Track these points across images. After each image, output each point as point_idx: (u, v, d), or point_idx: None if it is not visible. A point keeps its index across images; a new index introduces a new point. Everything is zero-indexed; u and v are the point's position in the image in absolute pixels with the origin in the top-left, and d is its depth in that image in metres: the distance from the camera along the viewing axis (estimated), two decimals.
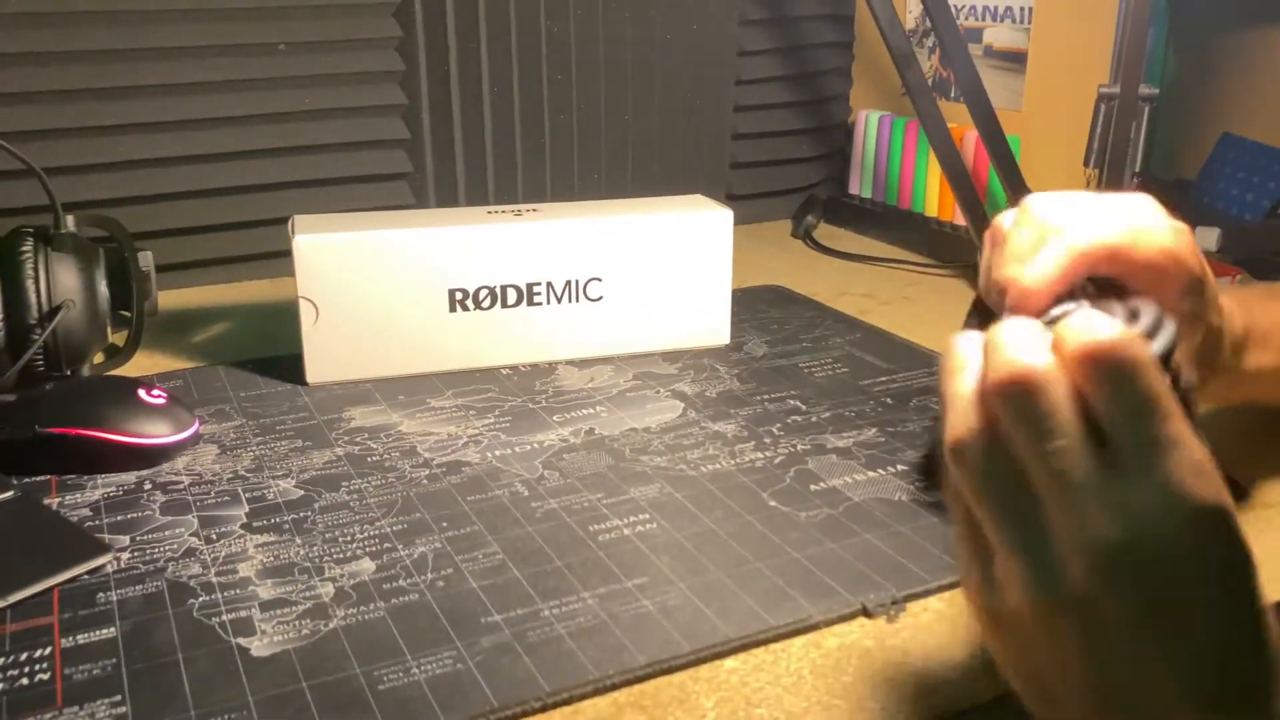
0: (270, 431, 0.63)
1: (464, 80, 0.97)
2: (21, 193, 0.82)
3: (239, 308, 0.87)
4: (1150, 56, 0.94)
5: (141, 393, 0.60)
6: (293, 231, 0.68)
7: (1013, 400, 0.29)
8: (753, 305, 0.86)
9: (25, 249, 0.66)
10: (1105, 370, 0.28)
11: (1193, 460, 0.28)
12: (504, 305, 0.72)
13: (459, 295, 0.71)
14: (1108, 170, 0.75)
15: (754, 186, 1.13)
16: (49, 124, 0.84)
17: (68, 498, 0.55)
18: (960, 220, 1.02)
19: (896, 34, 0.82)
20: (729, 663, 0.43)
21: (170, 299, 0.86)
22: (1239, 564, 0.28)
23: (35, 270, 0.66)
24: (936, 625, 0.45)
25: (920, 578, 0.48)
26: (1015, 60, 0.99)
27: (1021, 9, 0.97)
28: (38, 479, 0.57)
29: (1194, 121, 1.02)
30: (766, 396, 0.69)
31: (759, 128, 1.13)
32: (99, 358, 0.73)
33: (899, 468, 0.59)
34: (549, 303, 0.73)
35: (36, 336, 0.66)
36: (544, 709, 0.40)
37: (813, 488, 0.57)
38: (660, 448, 0.61)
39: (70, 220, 0.70)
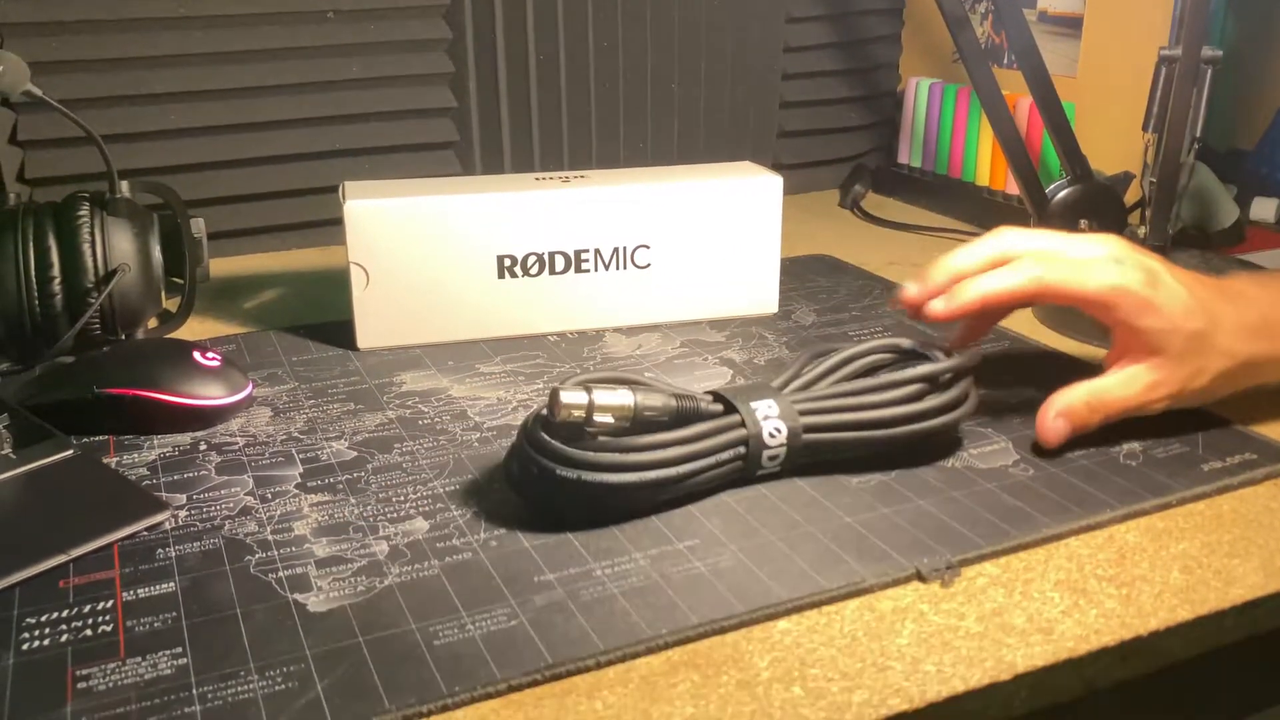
0: (322, 395, 0.64)
1: (510, 48, 0.97)
2: (76, 160, 0.83)
3: (289, 275, 0.88)
4: (1211, 19, 0.92)
5: (196, 355, 0.60)
6: (343, 197, 0.68)
7: None
8: (800, 274, 0.85)
9: (82, 213, 0.67)
10: None
11: None
12: (552, 272, 0.72)
13: (507, 262, 0.71)
14: (1167, 135, 0.73)
15: (801, 156, 1.12)
16: (101, 92, 0.85)
17: (125, 457, 0.56)
18: (1012, 189, 1.01)
19: (952, 1, 0.81)
20: (782, 624, 0.43)
21: (221, 266, 0.87)
22: None
23: (92, 234, 0.67)
24: (991, 590, 0.45)
25: (974, 543, 0.48)
26: (1071, 25, 0.97)
27: None
28: (96, 439, 0.58)
29: (1253, 90, 1.00)
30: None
31: (807, 96, 1.11)
32: (152, 322, 0.74)
33: (953, 435, 0.58)
34: (597, 270, 0.72)
35: (93, 300, 0.66)
36: (598, 666, 0.40)
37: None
38: None
39: (125, 186, 0.70)
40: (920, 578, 0.46)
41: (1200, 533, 0.49)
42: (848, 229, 1.01)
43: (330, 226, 0.93)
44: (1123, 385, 0.55)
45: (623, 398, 0.49)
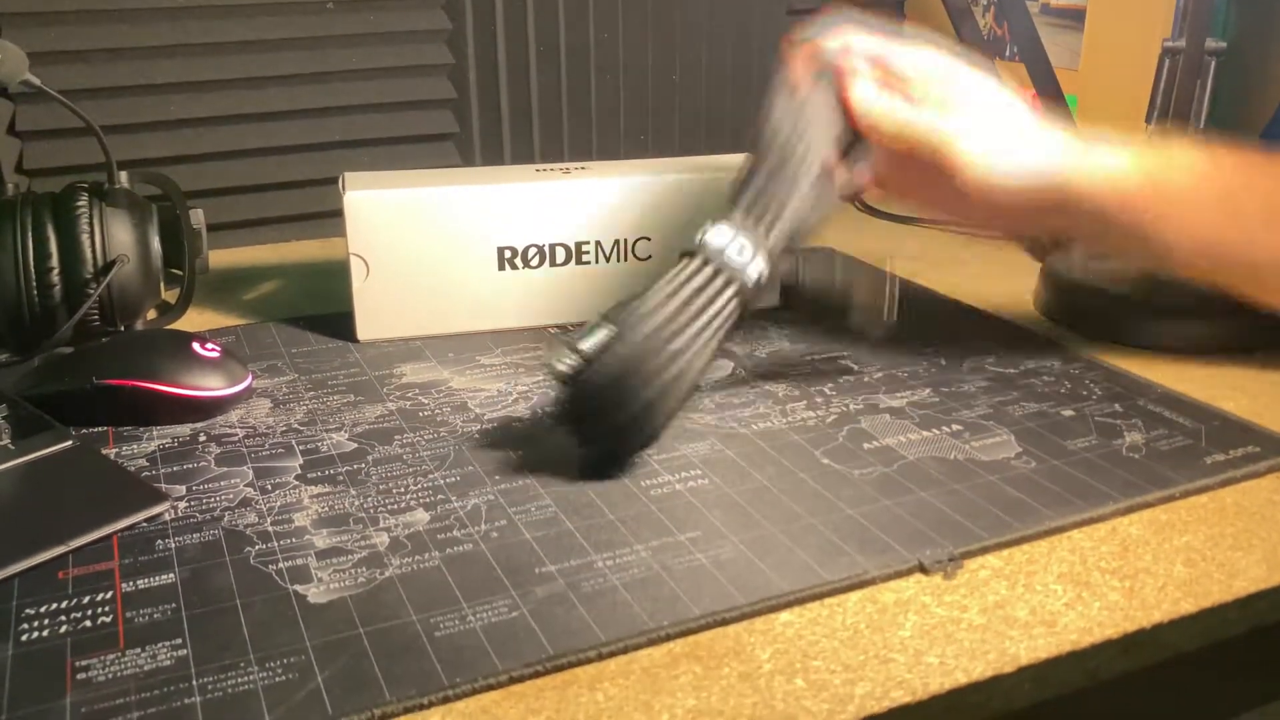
0: (322, 386, 0.64)
1: (511, 40, 0.97)
2: (75, 151, 0.83)
3: (288, 266, 0.88)
4: (1213, 11, 0.91)
5: (196, 346, 0.60)
6: (343, 188, 0.68)
7: None
8: (801, 267, 0.85)
9: (80, 204, 0.67)
10: None
11: None
12: (553, 264, 0.71)
13: (508, 254, 0.71)
14: (1171, 127, 0.73)
15: None
16: (100, 82, 0.84)
17: (124, 448, 0.56)
18: None
19: None
20: (784, 615, 0.43)
21: (220, 258, 0.87)
22: None
23: (91, 225, 0.66)
24: (994, 582, 0.45)
25: (977, 535, 0.48)
26: (1073, 18, 0.97)
27: None
28: (95, 430, 0.58)
29: (1256, 82, 0.99)
30: (817, 356, 0.68)
31: None
32: (151, 313, 0.74)
33: (954, 427, 0.58)
34: (598, 262, 0.72)
35: (92, 291, 0.66)
36: (599, 658, 0.40)
37: (866, 446, 0.56)
38: (710, 405, 0.61)
39: (124, 177, 0.70)
40: (923, 570, 0.45)
41: (1203, 525, 0.49)
42: (848, 221, 1.00)
43: (330, 218, 0.92)
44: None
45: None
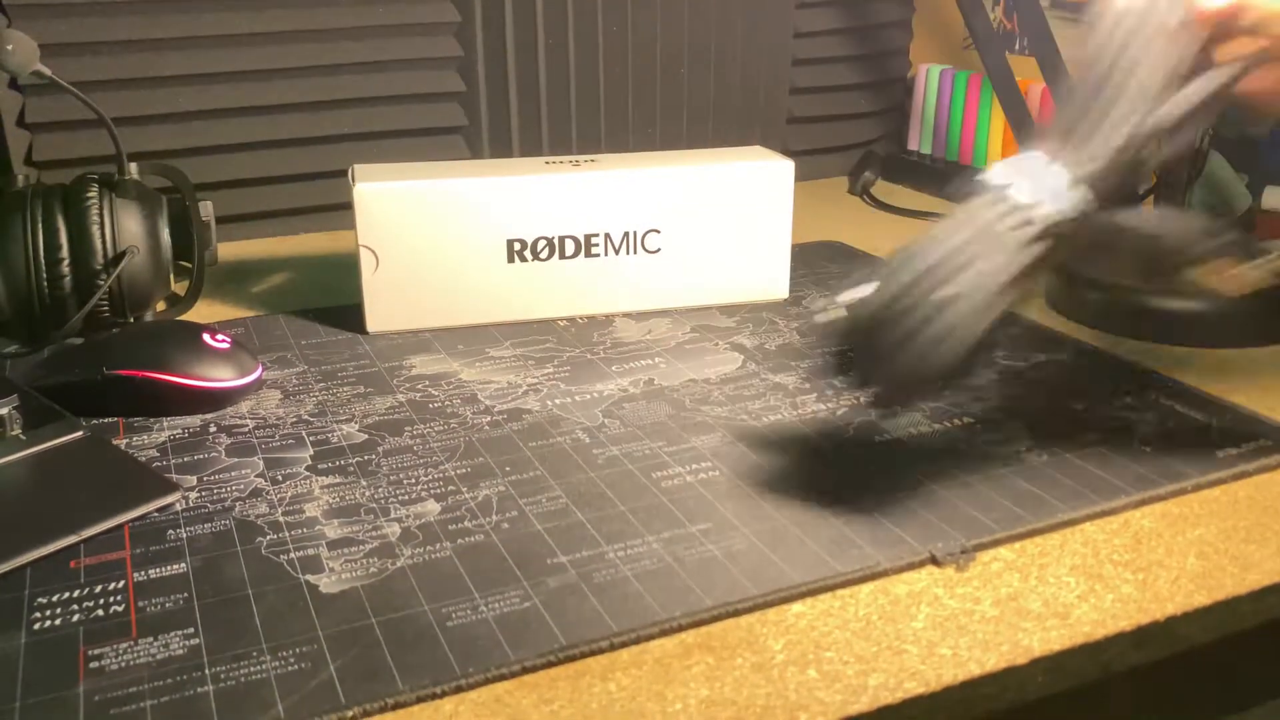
0: (332, 378, 0.64)
1: (519, 32, 0.96)
2: (84, 143, 0.83)
3: (297, 259, 0.88)
4: None
5: (206, 337, 0.60)
6: (353, 180, 0.68)
7: None
8: (810, 261, 0.85)
9: (90, 195, 0.67)
10: None
11: None
12: (562, 256, 0.71)
13: (517, 246, 0.70)
14: None
15: (811, 142, 1.12)
16: (109, 74, 0.84)
17: (135, 439, 0.56)
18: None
19: None
20: (796, 607, 0.43)
21: (228, 250, 0.87)
22: None
23: (100, 216, 0.66)
24: (1007, 574, 0.45)
25: (989, 528, 0.48)
26: (1081, 11, 0.96)
27: None
28: (105, 420, 0.58)
29: None
30: (827, 350, 0.68)
31: (817, 82, 1.11)
32: (160, 305, 0.74)
33: (965, 420, 0.58)
34: (607, 254, 0.72)
35: (102, 282, 0.66)
36: (611, 648, 0.40)
37: (876, 439, 0.56)
38: (720, 398, 0.61)
39: (134, 168, 0.70)
40: (935, 562, 0.45)
41: (1216, 519, 0.49)
42: (858, 215, 1.00)
43: (338, 211, 0.92)
44: None
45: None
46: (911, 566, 0.45)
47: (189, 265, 0.74)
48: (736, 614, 0.42)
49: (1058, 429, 0.57)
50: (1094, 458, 0.54)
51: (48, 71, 0.62)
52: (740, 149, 0.77)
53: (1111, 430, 0.56)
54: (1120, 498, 0.50)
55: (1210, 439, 0.56)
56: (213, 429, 0.57)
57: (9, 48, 0.59)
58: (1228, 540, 0.47)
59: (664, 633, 0.41)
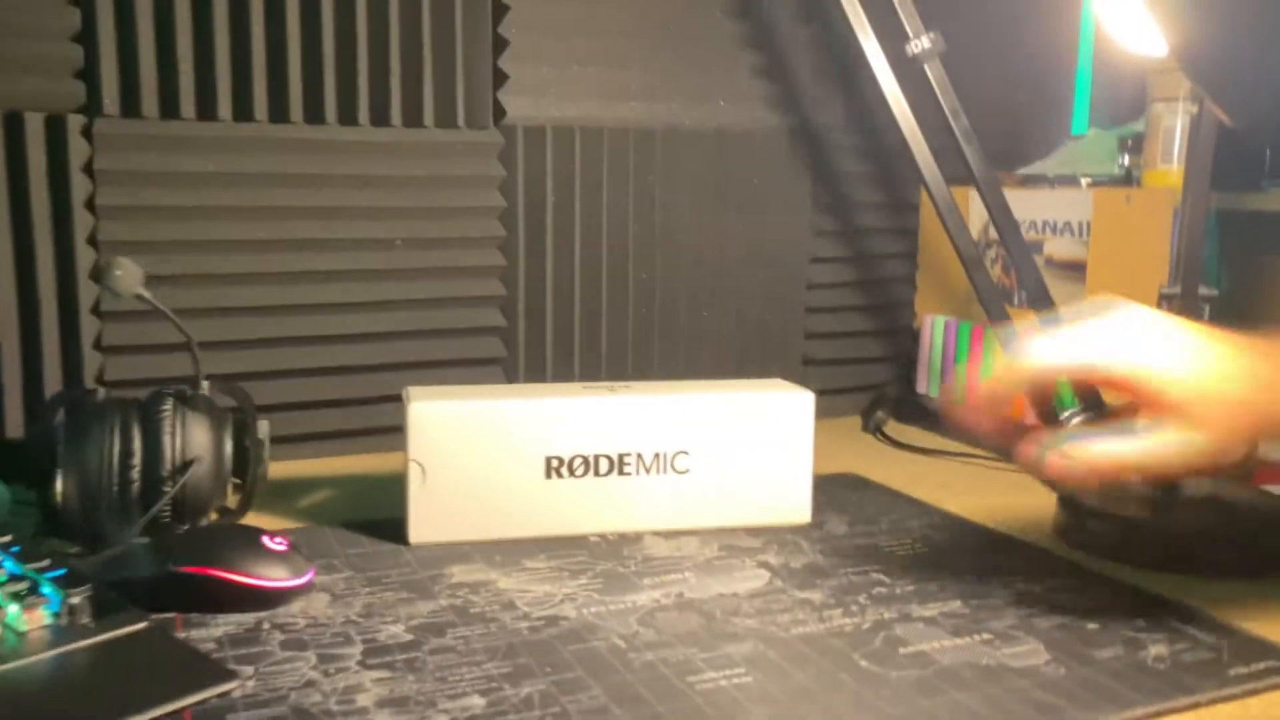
0: (377, 583, 0.67)
1: (557, 277, 1.05)
2: (150, 366, 0.90)
3: (339, 478, 0.92)
4: (1204, 264, 0.99)
5: (265, 539, 0.64)
6: (407, 400, 0.74)
7: None
8: (829, 490, 0.89)
9: (165, 407, 0.72)
10: None
11: None
12: (596, 474, 0.76)
13: (555, 462, 0.75)
14: None
15: (825, 383, 1.18)
16: (186, 304, 0.92)
17: (193, 633, 0.59)
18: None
19: (965, 240, 0.89)
20: None
21: (274, 470, 0.91)
22: None
23: (173, 427, 0.72)
24: None
25: None
26: (1076, 270, 1.05)
27: (1080, 223, 1.04)
28: (164, 616, 0.61)
29: (1245, 325, 1.06)
30: (850, 570, 0.71)
31: (830, 328, 1.19)
32: (213, 516, 0.78)
33: (984, 635, 0.60)
34: (638, 473, 0.77)
35: (168, 489, 0.71)
36: None
37: (901, 651, 0.59)
38: (750, 610, 0.64)
39: (205, 386, 0.76)
40: None
41: None
42: (872, 451, 1.05)
43: (377, 435, 0.98)
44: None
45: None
46: None
47: (239, 482, 0.78)
48: None
49: (1073, 645, 0.59)
50: (1109, 672, 0.56)
51: (148, 295, 0.69)
52: (763, 380, 0.83)
53: (1125, 648, 0.59)
54: (1138, 709, 0.52)
55: (1220, 659, 0.58)
56: (266, 626, 0.60)
57: (117, 273, 0.66)
58: None
59: None
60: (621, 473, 0.76)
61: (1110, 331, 0.59)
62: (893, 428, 1.14)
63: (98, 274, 0.71)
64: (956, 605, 0.65)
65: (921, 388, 1.20)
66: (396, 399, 0.76)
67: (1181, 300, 0.77)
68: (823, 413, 0.80)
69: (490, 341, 1.04)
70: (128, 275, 0.67)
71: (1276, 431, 0.61)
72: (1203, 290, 0.77)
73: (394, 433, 0.72)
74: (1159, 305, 0.79)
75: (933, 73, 0.84)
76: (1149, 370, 0.57)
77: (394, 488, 0.73)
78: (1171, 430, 0.57)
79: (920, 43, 0.83)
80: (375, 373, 0.99)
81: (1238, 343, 0.58)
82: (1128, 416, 0.61)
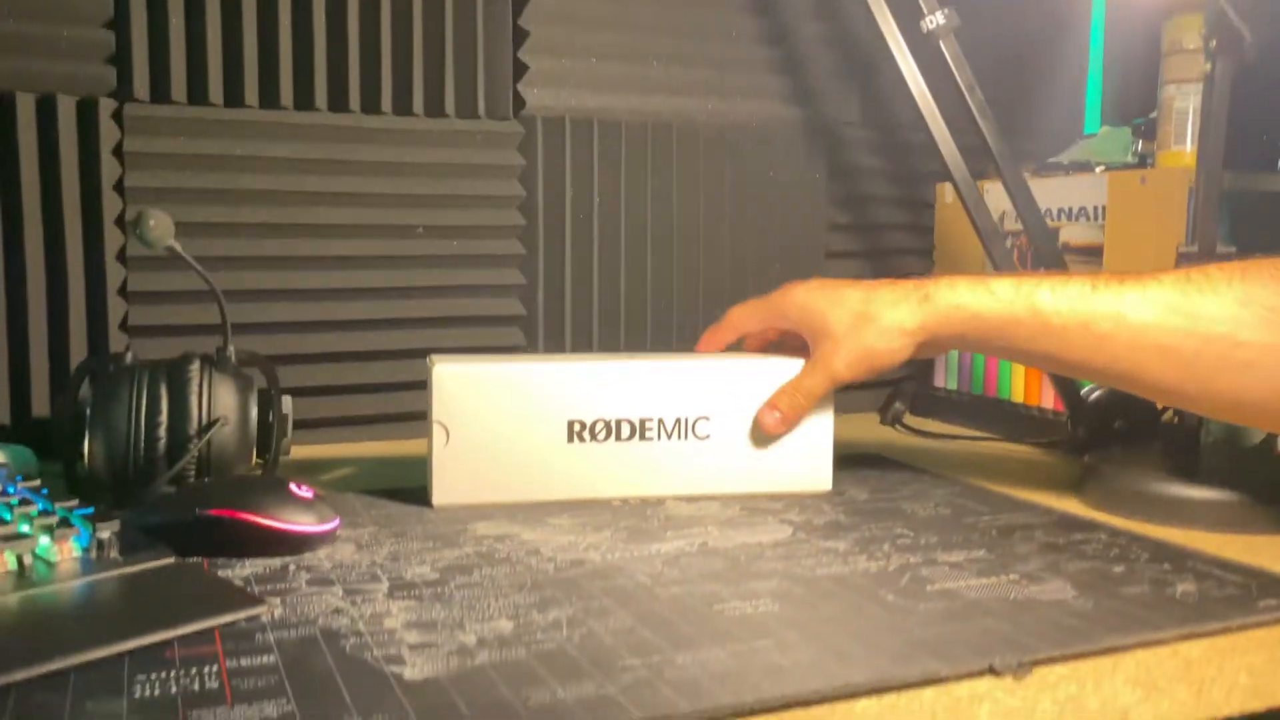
0: (403, 535, 0.67)
1: (576, 267, 1.06)
2: (175, 313, 0.91)
3: (360, 459, 0.93)
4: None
5: (292, 486, 0.64)
6: (431, 364, 0.74)
7: None
8: (851, 466, 0.89)
9: (192, 368, 0.73)
10: None
11: None
12: (618, 438, 0.76)
13: (577, 426, 0.76)
14: None
15: None
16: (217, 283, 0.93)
17: (219, 574, 0.59)
18: (1045, 403, 1.06)
19: (983, 214, 0.89)
20: (862, 703, 0.44)
21: (296, 450, 0.92)
22: None
23: (200, 387, 0.72)
24: (1063, 684, 0.46)
25: (1044, 648, 0.49)
26: (1092, 254, 1.06)
27: (1095, 208, 1.04)
28: (191, 560, 0.61)
29: None
30: (874, 525, 0.71)
31: None
32: None
33: (1011, 576, 0.60)
34: (660, 438, 0.77)
35: (193, 446, 0.71)
36: None
37: (928, 588, 0.58)
38: (774, 556, 0.64)
39: (232, 350, 0.77)
40: (994, 671, 0.47)
41: (1264, 650, 0.50)
42: (892, 439, 1.05)
43: (397, 423, 0.99)
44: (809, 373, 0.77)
45: None
46: (971, 675, 0.47)
47: (261, 461, 0.78)
48: (806, 704, 0.44)
49: (1100, 584, 0.59)
50: (1138, 604, 0.56)
51: (179, 248, 0.70)
52: (776, 357, 0.84)
53: (1151, 586, 0.59)
54: (1169, 628, 0.52)
55: (1249, 595, 0.58)
56: (293, 567, 0.60)
57: (150, 223, 0.67)
58: (1279, 667, 0.49)
59: (735, 714, 0.42)
60: (643, 438, 0.77)
61: (780, 292, 0.79)
62: (911, 420, 1.14)
63: (130, 225, 0.72)
64: (981, 553, 0.65)
65: (939, 381, 1.20)
66: (417, 385, 0.76)
67: (1199, 258, 0.78)
68: (840, 407, 0.81)
69: (509, 330, 1.05)
70: (160, 226, 0.68)
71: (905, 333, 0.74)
72: (1221, 248, 0.77)
73: (415, 419, 0.73)
74: (1177, 263, 0.80)
75: (948, 48, 0.86)
76: (796, 299, 0.78)
77: (416, 466, 0.74)
78: (827, 346, 0.75)
79: (935, 18, 0.85)
80: (395, 359, 1.00)
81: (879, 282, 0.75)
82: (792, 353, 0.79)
